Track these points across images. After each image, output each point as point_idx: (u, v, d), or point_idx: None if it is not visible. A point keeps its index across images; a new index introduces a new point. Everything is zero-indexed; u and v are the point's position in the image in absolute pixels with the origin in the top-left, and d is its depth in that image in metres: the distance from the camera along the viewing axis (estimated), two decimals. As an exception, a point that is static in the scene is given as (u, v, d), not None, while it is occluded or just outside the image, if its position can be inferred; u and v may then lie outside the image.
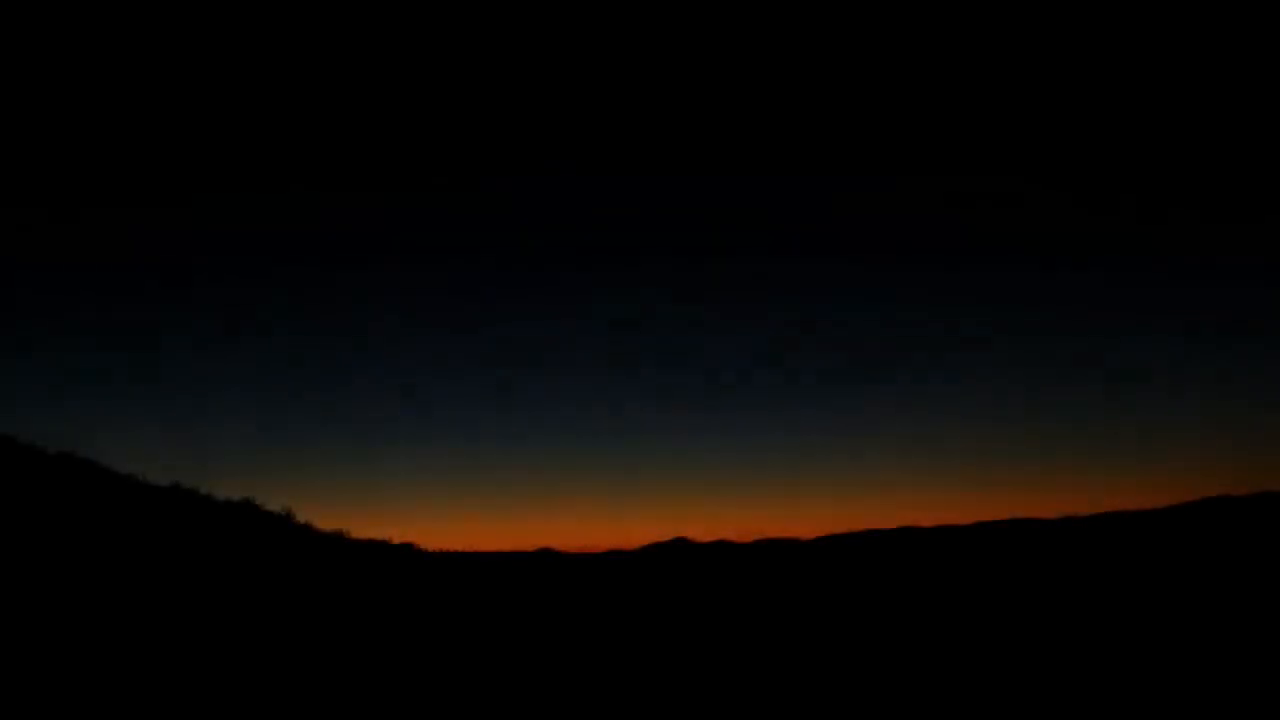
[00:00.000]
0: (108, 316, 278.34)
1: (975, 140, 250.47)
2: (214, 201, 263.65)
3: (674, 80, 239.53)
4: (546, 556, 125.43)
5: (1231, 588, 36.42)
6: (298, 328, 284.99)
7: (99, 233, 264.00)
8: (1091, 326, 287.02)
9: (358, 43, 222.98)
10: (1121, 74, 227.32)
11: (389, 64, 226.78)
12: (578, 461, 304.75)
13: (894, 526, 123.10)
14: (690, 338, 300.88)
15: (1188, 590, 36.59)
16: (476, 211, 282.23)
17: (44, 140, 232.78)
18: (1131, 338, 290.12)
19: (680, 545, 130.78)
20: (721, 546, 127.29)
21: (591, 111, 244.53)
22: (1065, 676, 17.91)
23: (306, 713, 15.76)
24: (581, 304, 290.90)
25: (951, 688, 17.14)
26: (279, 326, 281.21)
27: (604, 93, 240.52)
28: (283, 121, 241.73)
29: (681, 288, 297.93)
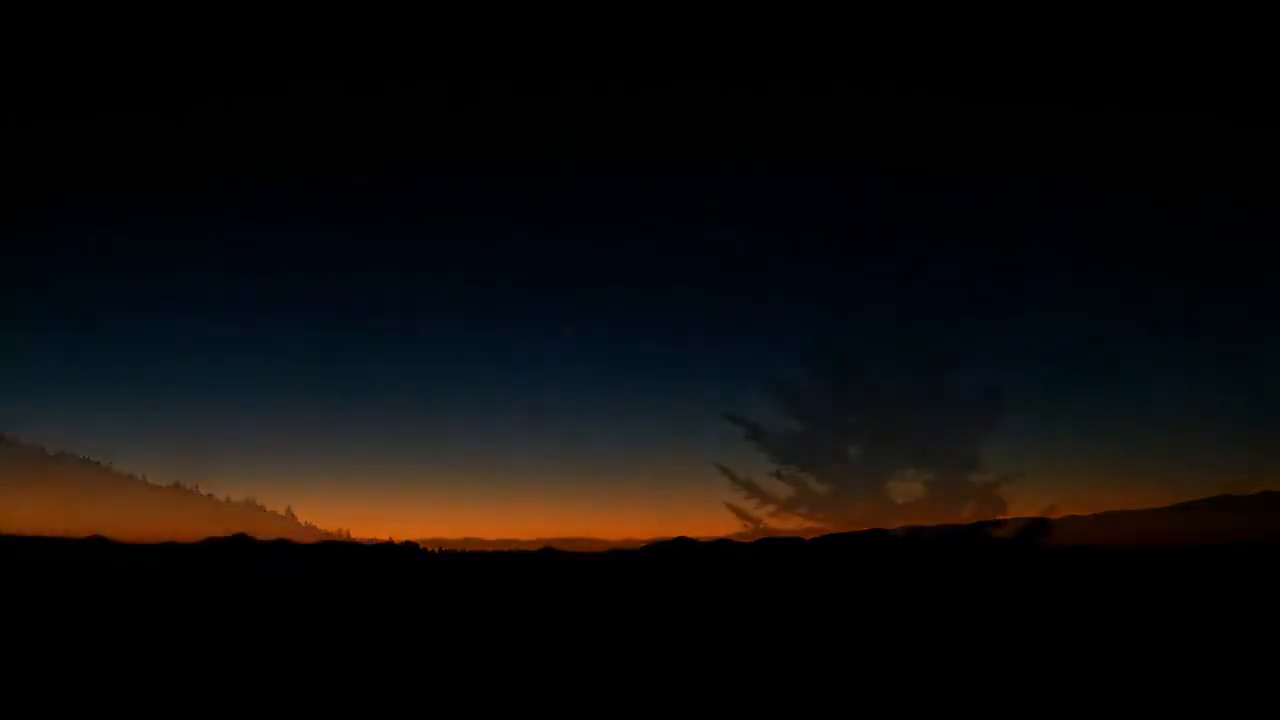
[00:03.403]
0: (109, 320, 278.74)
1: (975, 142, 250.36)
2: (215, 202, 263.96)
3: (675, 81, 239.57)
4: (549, 556, 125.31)
5: (1233, 586, 36.41)
6: (300, 329, 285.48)
7: (99, 237, 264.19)
8: (1093, 328, 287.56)
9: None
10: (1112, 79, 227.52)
11: (384, 61, 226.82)
12: (580, 461, 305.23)
13: (896, 527, 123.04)
14: (691, 339, 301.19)
15: (1189, 588, 36.57)
16: (476, 216, 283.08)
17: (43, 142, 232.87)
18: (1132, 338, 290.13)
19: (682, 545, 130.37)
20: (723, 546, 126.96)
21: (594, 123, 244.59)
22: (1067, 674, 17.95)
23: (311, 709, 15.81)
24: (583, 306, 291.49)
25: (952, 685, 17.18)
26: (281, 329, 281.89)
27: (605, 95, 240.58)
28: (285, 120, 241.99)
29: (681, 290, 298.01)
